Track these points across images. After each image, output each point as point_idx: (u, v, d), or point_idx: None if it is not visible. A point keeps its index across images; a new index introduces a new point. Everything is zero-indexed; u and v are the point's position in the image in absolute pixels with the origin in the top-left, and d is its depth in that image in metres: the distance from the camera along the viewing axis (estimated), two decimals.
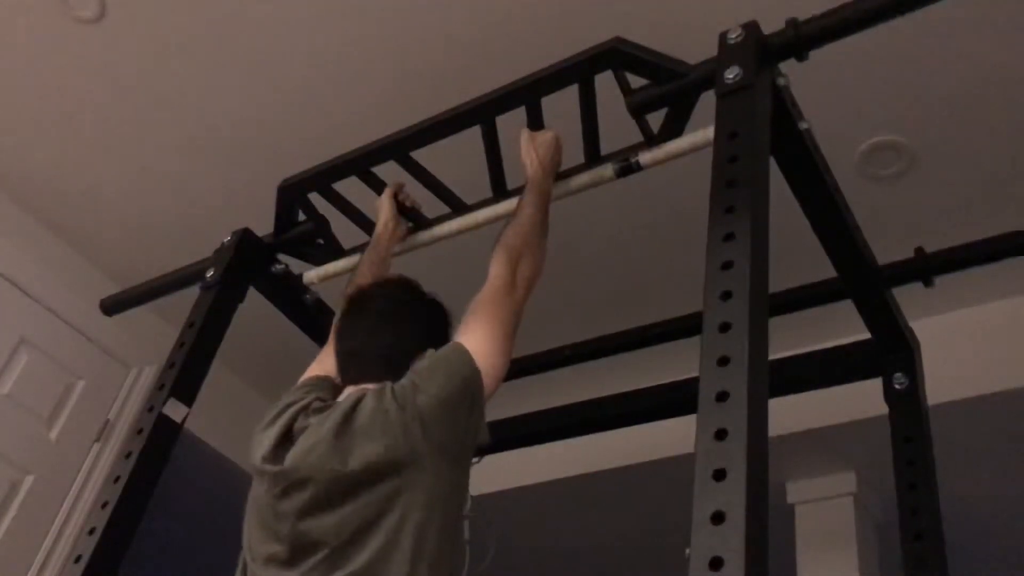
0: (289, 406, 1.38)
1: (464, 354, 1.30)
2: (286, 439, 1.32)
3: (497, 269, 1.44)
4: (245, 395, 3.22)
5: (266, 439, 1.33)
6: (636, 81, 1.53)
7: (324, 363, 1.54)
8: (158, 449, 1.64)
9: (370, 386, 1.32)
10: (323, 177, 1.87)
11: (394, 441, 1.21)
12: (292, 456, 1.27)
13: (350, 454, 1.22)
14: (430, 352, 1.36)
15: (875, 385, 1.74)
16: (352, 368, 1.41)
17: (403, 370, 1.35)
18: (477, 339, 1.33)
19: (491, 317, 1.37)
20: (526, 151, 1.64)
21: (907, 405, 1.67)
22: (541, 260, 1.50)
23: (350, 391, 1.36)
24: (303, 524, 1.23)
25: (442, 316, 1.50)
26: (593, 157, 1.67)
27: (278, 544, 1.24)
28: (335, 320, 1.53)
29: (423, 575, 1.17)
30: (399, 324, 1.43)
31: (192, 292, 1.93)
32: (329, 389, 1.44)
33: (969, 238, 1.70)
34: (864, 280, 1.67)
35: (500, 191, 1.79)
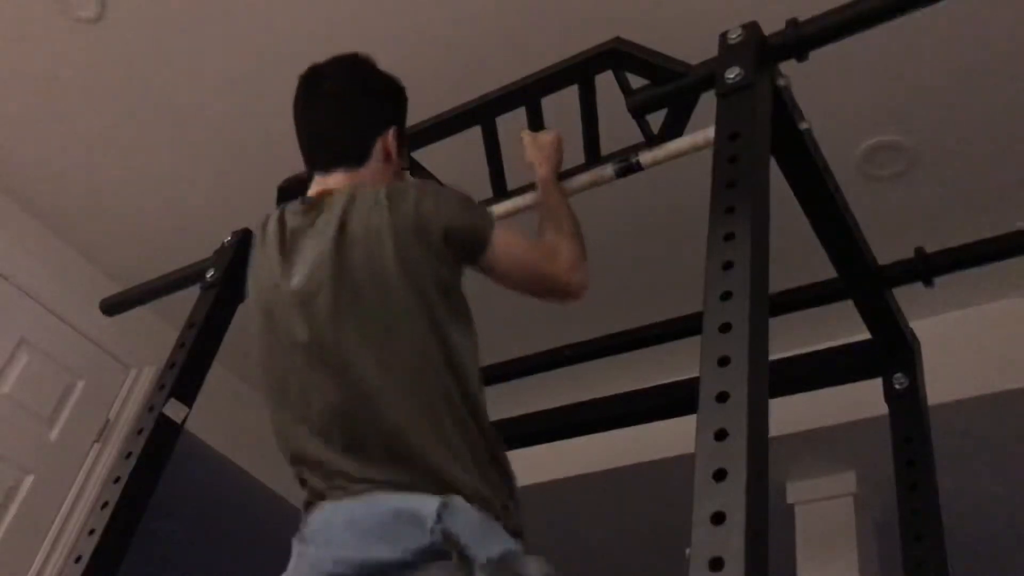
0: (267, 220, 1.39)
1: (486, 213, 1.31)
2: (284, 244, 1.32)
3: (552, 235, 1.42)
4: (245, 395, 3.23)
5: (271, 253, 1.32)
6: (636, 81, 1.53)
7: None
8: (158, 449, 1.64)
9: (341, 175, 1.34)
10: None
11: (397, 248, 1.21)
12: (300, 273, 1.26)
13: (351, 261, 1.22)
14: (451, 187, 1.36)
15: (875, 385, 1.74)
16: (319, 154, 1.41)
17: (370, 150, 1.38)
18: (508, 231, 1.31)
19: (532, 244, 1.34)
20: (531, 153, 1.64)
21: (907, 405, 1.67)
22: (583, 248, 1.45)
23: (321, 179, 1.38)
24: (323, 334, 1.21)
25: (399, 91, 1.49)
26: (593, 157, 1.67)
27: (320, 371, 1.22)
28: (295, 102, 1.48)
29: (453, 379, 1.19)
30: (359, 104, 1.42)
31: (192, 292, 1.92)
32: (298, 187, 1.46)
33: (969, 238, 1.70)
34: (864, 280, 1.67)
35: (500, 191, 1.79)
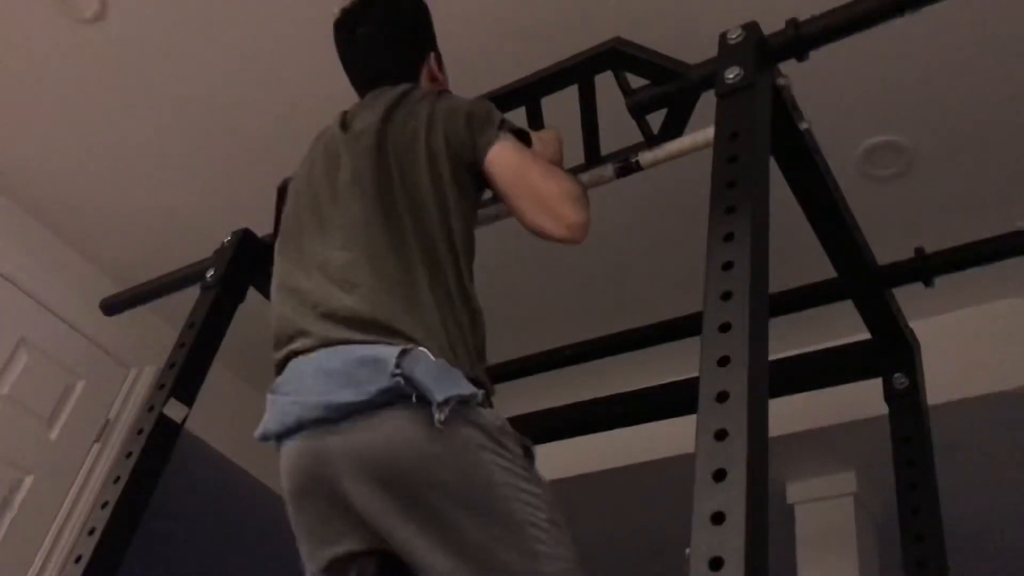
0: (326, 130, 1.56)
1: (501, 126, 1.37)
2: (345, 121, 1.48)
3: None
4: (245, 395, 3.22)
5: (329, 133, 1.52)
6: (636, 81, 1.53)
7: None
8: (158, 449, 1.64)
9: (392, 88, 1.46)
10: None
11: (423, 135, 1.34)
12: (353, 125, 1.43)
13: (397, 123, 1.37)
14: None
15: (875, 385, 1.74)
16: (367, 74, 1.54)
17: (418, 74, 1.54)
18: (512, 142, 1.37)
19: (532, 158, 1.38)
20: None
21: (907, 405, 1.67)
22: (583, 193, 1.44)
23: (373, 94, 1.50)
24: (361, 164, 1.35)
25: (426, 11, 1.62)
26: (593, 157, 1.67)
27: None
28: (339, 49, 1.63)
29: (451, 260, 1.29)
30: (401, 32, 1.57)
31: (192, 292, 1.92)
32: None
33: (969, 238, 1.70)
34: (864, 280, 1.67)
35: None
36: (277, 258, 1.45)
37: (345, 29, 1.59)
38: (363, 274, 1.24)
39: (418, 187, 1.32)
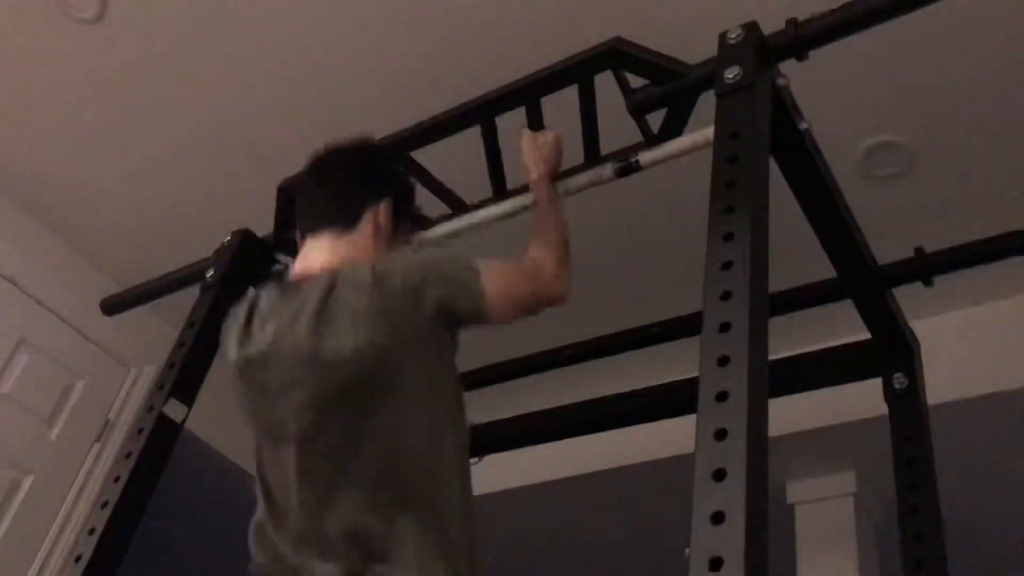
0: (248, 300, 1.40)
1: (472, 267, 1.29)
2: (254, 324, 1.33)
3: (533, 251, 1.42)
4: None
5: (237, 332, 1.35)
6: (636, 81, 1.53)
7: None
8: (158, 449, 1.64)
9: (328, 237, 1.36)
10: None
11: (380, 324, 1.20)
12: (270, 341, 1.27)
13: (330, 344, 1.21)
14: (435, 249, 1.39)
15: (875, 385, 1.74)
16: (310, 216, 1.44)
17: (359, 217, 1.39)
18: (495, 270, 1.30)
19: (516, 272, 1.35)
20: (529, 155, 1.64)
21: (907, 405, 1.67)
22: (568, 257, 1.46)
23: (312, 242, 1.39)
24: (307, 419, 1.22)
25: (387, 163, 1.56)
26: (593, 157, 1.67)
27: (277, 425, 1.26)
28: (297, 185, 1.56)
29: (437, 447, 1.19)
30: (352, 171, 1.47)
31: (192, 292, 1.92)
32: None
33: (969, 238, 1.70)
34: (864, 280, 1.67)
35: (500, 191, 1.79)
36: None
37: (304, 173, 1.53)
38: (337, 516, 1.21)
39: (372, 409, 1.24)
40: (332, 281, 1.25)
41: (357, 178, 1.46)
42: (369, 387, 1.19)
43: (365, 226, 1.40)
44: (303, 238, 1.44)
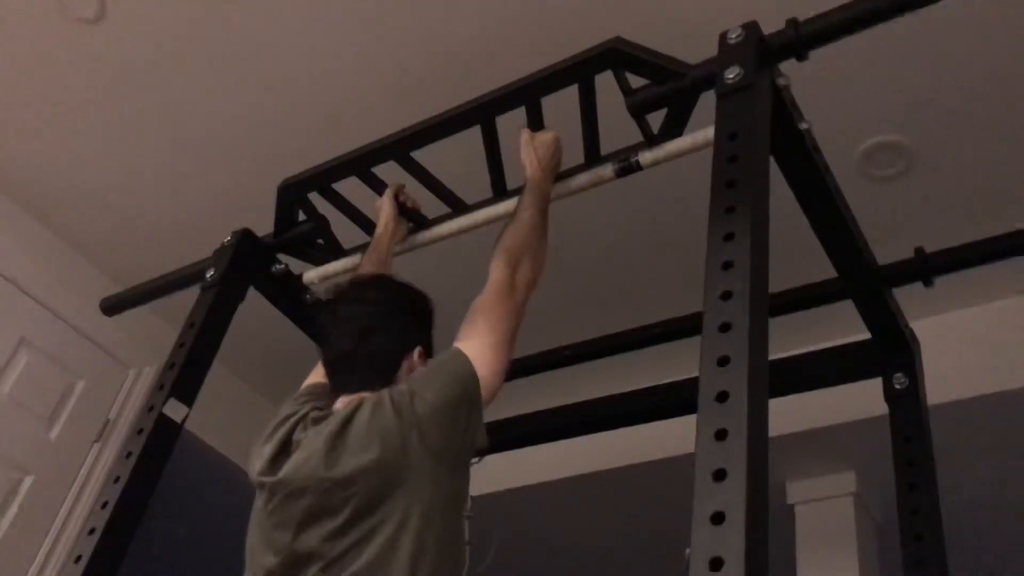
0: (287, 418, 1.38)
1: (463, 361, 1.30)
2: (284, 451, 1.32)
3: (496, 272, 1.44)
4: (245, 395, 3.22)
5: (264, 451, 1.34)
6: (636, 81, 1.53)
7: (320, 371, 1.53)
8: (158, 449, 1.64)
9: (367, 395, 1.31)
10: (323, 177, 1.87)
11: (390, 449, 1.21)
12: (288, 467, 1.27)
13: (341, 461, 1.21)
14: (430, 362, 1.36)
15: (875, 385, 1.74)
16: (343, 376, 1.40)
17: (395, 372, 1.36)
18: (476, 344, 1.33)
19: (491, 321, 1.37)
20: (526, 152, 1.64)
21: (907, 405, 1.67)
22: (541, 262, 1.50)
23: (346, 400, 1.35)
24: (301, 536, 1.22)
25: (424, 308, 1.49)
26: (593, 157, 1.67)
27: (275, 556, 1.24)
28: (318, 324, 1.49)
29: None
30: (385, 327, 1.41)
31: (192, 292, 1.93)
32: (327, 396, 1.43)
33: (969, 238, 1.70)
34: (864, 280, 1.67)
35: (500, 191, 1.79)
36: None
37: (329, 307, 1.47)
38: None
39: (376, 526, 1.23)
40: (358, 405, 1.28)
41: (391, 333, 1.41)
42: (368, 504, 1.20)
43: (402, 376, 1.38)
44: (334, 390, 1.41)
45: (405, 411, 1.23)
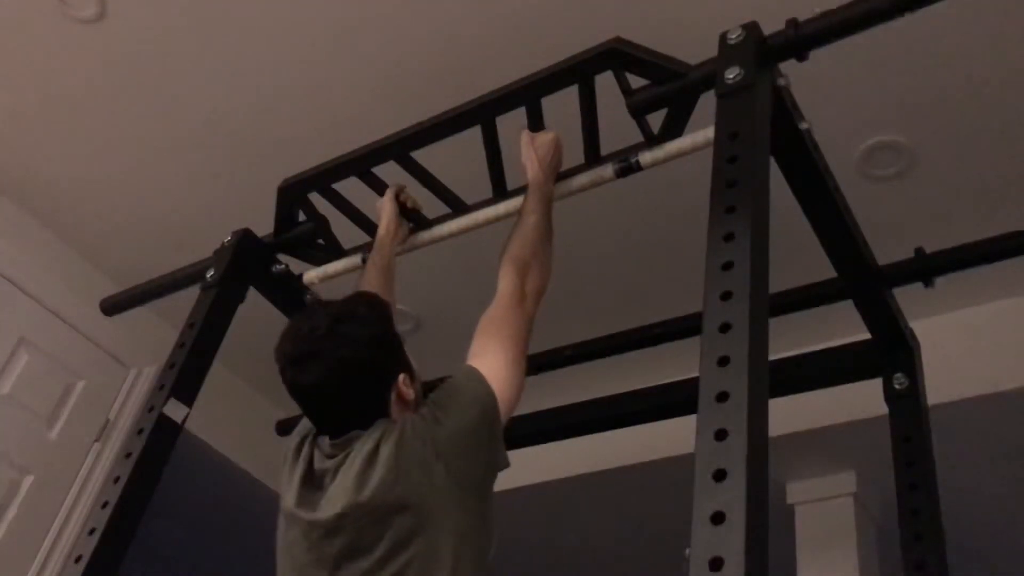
0: (304, 440, 1.36)
1: (480, 381, 1.28)
2: (309, 481, 1.30)
3: (506, 283, 1.42)
4: (245, 395, 3.23)
5: (293, 481, 1.32)
6: (636, 81, 1.53)
7: None
8: (158, 449, 1.64)
9: (382, 426, 1.28)
10: (323, 177, 1.87)
11: (417, 483, 1.20)
12: (322, 505, 1.25)
13: (372, 499, 1.20)
14: (446, 382, 1.32)
15: (875, 385, 1.74)
16: (332, 426, 1.32)
17: (387, 409, 1.31)
18: (492, 362, 1.31)
19: (503, 336, 1.35)
20: (526, 153, 1.64)
21: (907, 405, 1.67)
22: (549, 268, 1.50)
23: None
24: (339, 572, 1.21)
25: (392, 336, 1.38)
26: (593, 157, 1.67)
27: None
28: (282, 366, 1.34)
29: None
30: (364, 370, 1.31)
31: (192, 292, 1.92)
32: None
33: (969, 238, 1.70)
34: (864, 280, 1.67)
35: (500, 191, 1.79)
36: None
37: (290, 369, 1.32)
38: None
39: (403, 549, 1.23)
40: (382, 434, 1.25)
41: (370, 375, 1.32)
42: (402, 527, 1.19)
43: (394, 409, 1.32)
44: (320, 431, 1.35)
45: (428, 443, 1.22)
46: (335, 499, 1.24)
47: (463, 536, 1.20)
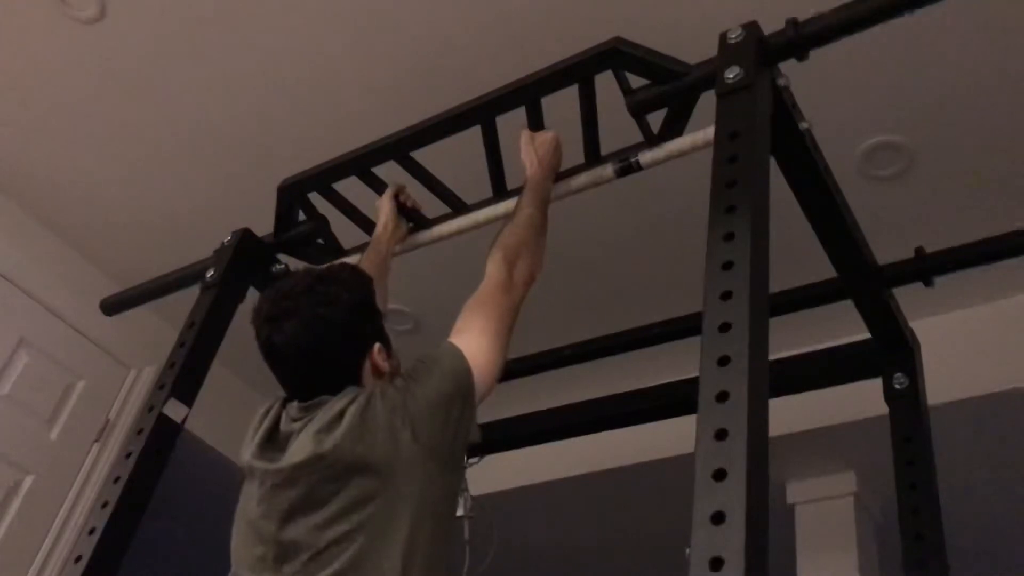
0: (273, 405, 1.37)
1: (457, 355, 1.29)
2: (272, 439, 1.31)
3: (493, 268, 1.44)
4: (245, 395, 3.22)
5: (256, 438, 1.32)
6: (636, 81, 1.53)
7: None
8: (158, 449, 1.64)
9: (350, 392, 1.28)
10: (323, 177, 1.87)
11: (381, 445, 1.20)
12: (284, 458, 1.26)
13: (332, 455, 1.20)
14: (423, 355, 1.33)
15: (875, 385, 1.74)
16: (301, 384, 1.32)
17: (359, 377, 1.31)
18: (471, 339, 1.32)
19: (486, 316, 1.36)
20: (526, 152, 1.64)
21: (907, 405, 1.67)
22: (539, 261, 1.50)
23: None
24: (286, 526, 1.21)
25: (367, 304, 1.37)
26: (593, 157, 1.67)
27: (262, 546, 1.23)
28: (258, 332, 1.33)
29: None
30: (335, 338, 1.31)
31: (192, 292, 1.93)
32: None
33: (969, 238, 1.70)
34: (864, 280, 1.67)
35: (500, 191, 1.79)
36: None
37: (265, 327, 1.31)
38: None
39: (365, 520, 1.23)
40: (351, 398, 1.24)
41: (341, 343, 1.31)
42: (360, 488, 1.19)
43: (367, 377, 1.32)
44: (291, 397, 1.35)
45: (398, 408, 1.22)
46: (295, 452, 1.24)
47: (423, 505, 1.19)
